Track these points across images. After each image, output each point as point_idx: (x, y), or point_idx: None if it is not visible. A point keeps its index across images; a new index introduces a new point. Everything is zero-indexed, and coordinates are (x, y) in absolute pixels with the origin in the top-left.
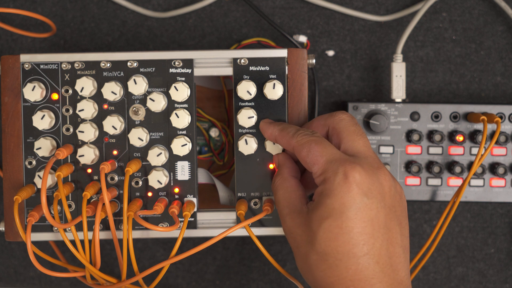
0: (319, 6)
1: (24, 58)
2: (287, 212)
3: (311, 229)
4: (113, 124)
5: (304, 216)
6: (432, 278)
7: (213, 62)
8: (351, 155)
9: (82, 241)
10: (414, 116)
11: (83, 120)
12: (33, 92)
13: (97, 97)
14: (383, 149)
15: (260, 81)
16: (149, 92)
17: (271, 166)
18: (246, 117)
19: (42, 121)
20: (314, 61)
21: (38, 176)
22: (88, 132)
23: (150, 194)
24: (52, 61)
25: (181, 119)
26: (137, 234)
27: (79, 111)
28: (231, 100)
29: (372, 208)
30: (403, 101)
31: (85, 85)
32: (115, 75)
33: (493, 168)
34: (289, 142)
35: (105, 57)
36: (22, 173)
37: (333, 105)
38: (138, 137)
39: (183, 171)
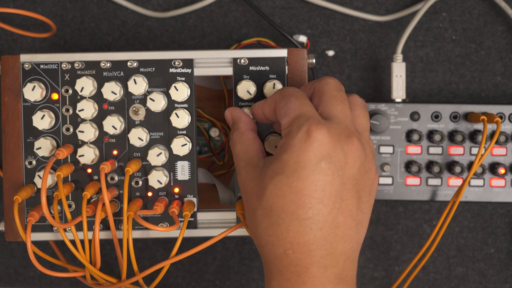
0: (319, 6)
1: (24, 58)
2: (243, 165)
3: (262, 183)
4: (113, 124)
5: (259, 170)
6: (432, 278)
7: (213, 62)
8: (325, 118)
9: (82, 241)
10: (414, 116)
11: (83, 120)
12: (33, 92)
13: (97, 97)
14: (383, 149)
15: (260, 81)
16: (149, 92)
17: None
18: None
19: (42, 121)
20: (314, 61)
21: (38, 176)
22: (88, 132)
23: (150, 194)
24: (52, 61)
25: (181, 119)
26: (137, 234)
27: (79, 111)
28: (231, 100)
29: (327, 174)
30: (403, 101)
31: (85, 85)
32: (115, 75)
33: (493, 168)
34: (273, 98)
35: (105, 57)
36: (22, 173)
37: None
38: (138, 137)
39: (183, 171)
